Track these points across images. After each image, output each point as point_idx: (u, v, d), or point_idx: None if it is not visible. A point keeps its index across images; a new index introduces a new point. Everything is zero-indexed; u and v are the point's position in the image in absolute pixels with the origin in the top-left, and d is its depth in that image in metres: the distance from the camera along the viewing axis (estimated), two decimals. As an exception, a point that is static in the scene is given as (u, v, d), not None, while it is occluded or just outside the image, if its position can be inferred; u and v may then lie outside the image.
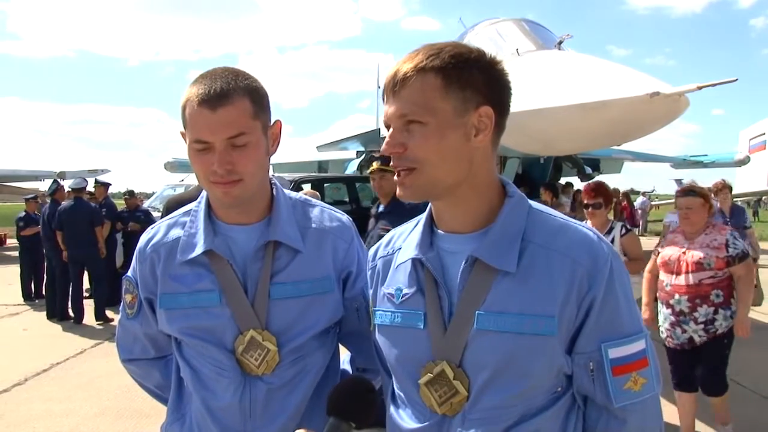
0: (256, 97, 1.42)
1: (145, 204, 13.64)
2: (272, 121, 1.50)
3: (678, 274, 4.08)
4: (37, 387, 5.84)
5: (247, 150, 1.39)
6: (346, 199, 11.90)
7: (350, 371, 1.69)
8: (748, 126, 20.74)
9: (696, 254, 4.03)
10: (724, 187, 7.82)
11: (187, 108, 1.39)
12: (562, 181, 14.12)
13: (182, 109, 1.41)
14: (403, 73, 1.17)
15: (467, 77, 1.16)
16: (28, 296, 10.63)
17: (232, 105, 1.36)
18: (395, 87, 1.18)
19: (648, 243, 11.53)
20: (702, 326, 4.01)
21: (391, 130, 1.20)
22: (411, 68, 1.16)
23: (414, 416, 1.28)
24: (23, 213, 11.09)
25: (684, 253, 4.10)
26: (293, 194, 1.62)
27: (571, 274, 1.16)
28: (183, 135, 1.44)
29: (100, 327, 8.44)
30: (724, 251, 4.01)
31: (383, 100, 1.23)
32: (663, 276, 4.22)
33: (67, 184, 9.59)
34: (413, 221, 1.37)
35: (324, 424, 1.55)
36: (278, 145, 1.53)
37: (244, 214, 1.50)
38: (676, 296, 4.07)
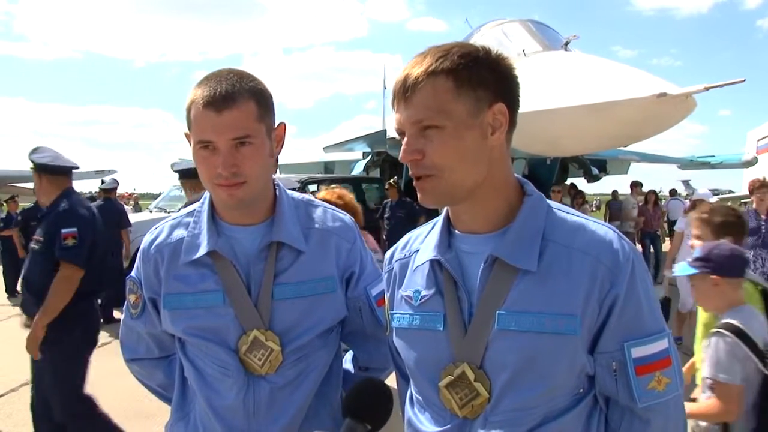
0: (261, 99, 1.42)
1: (152, 204, 13.65)
2: (276, 124, 1.50)
3: None
4: (44, 387, 5.86)
5: (251, 152, 1.39)
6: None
7: (352, 370, 1.70)
8: (756, 127, 20.66)
9: None
10: (762, 185, 6.57)
11: (192, 110, 1.40)
12: (568, 182, 14.05)
13: (187, 111, 1.42)
14: (413, 78, 1.14)
15: (478, 76, 1.14)
16: (11, 293, 10.58)
17: (237, 107, 1.37)
18: (406, 93, 1.15)
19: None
20: None
21: (406, 137, 1.17)
22: (421, 72, 1.14)
23: (434, 420, 1.26)
24: (5, 214, 11.17)
25: None
26: (296, 195, 1.62)
27: (592, 272, 1.14)
28: (187, 136, 1.45)
29: (107, 327, 8.46)
30: None
31: (393, 106, 1.20)
32: None
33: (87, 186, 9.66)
34: (430, 223, 1.36)
35: (328, 421, 1.55)
36: (282, 147, 1.53)
37: (247, 214, 1.51)
38: None
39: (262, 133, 1.42)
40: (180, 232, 1.54)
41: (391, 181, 9.82)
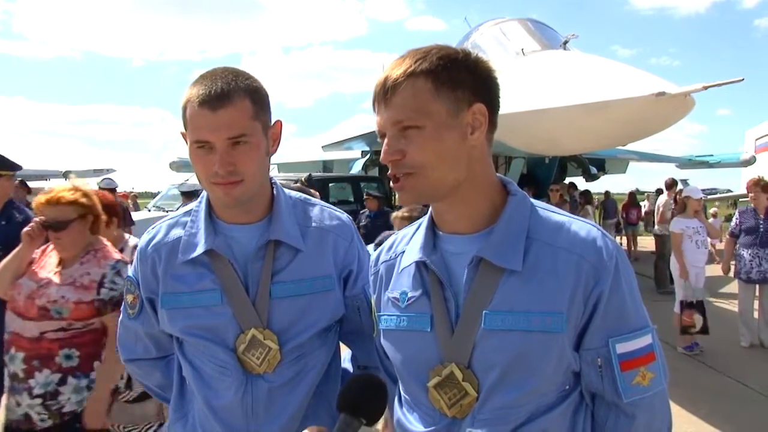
0: (257, 97, 1.42)
1: (151, 203, 13.58)
2: (273, 121, 1.50)
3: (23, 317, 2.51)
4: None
5: (247, 150, 1.39)
6: (351, 199, 11.91)
7: (351, 369, 1.70)
8: (754, 126, 20.68)
9: (49, 293, 2.50)
10: (755, 184, 6.58)
11: (187, 109, 1.40)
12: (566, 181, 14.05)
13: (183, 110, 1.42)
14: (393, 79, 1.17)
15: (456, 77, 1.16)
16: None
17: (233, 105, 1.37)
18: (386, 94, 1.17)
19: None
20: (40, 401, 2.45)
21: (386, 138, 1.19)
22: (401, 74, 1.16)
23: (422, 420, 1.27)
24: None
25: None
26: (293, 193, 1.62)
27: (577, 270, 1.15)
28: (184, 135, 1.45)
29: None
30: (94, 292, 2.54)
31: (373, 108, 1.22)
32: None
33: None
34: (414, 224, 1.37)
35: (327, 420, 1.54)
36: (278, 145, 1.53)
37: (244, 213, 1.50)
38: (12, 351, 2.52)
39: (258, 132, 1.43)
40: (177, 232, 1.54)
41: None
